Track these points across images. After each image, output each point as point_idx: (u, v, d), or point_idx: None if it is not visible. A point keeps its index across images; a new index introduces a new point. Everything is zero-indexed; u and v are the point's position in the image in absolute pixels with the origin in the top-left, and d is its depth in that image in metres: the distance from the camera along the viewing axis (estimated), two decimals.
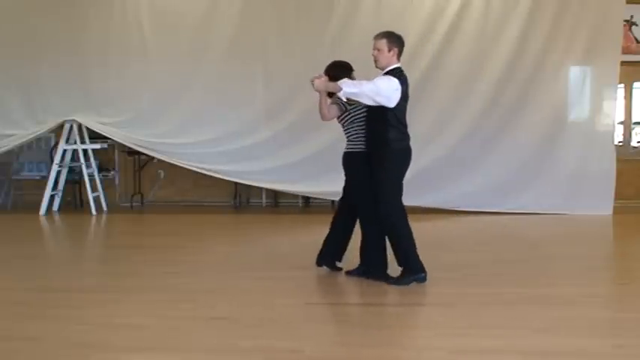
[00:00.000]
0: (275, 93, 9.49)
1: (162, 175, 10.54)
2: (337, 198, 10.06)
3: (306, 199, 10.23)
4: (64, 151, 9.71)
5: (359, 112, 5.30)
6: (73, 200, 10.34)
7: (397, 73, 5.09)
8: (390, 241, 5.22)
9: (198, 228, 8.47)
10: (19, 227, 8.63)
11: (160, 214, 9.71)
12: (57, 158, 9.67)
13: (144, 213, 10.00)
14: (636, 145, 10.53)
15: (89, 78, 9.54)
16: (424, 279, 5.15)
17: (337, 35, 9.21)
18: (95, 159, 10.00)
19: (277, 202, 10.33)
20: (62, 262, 6.57)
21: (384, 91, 4.99)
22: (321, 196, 9.74)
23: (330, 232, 5.59)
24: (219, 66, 9.43)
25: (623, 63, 9.14)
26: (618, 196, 9.18)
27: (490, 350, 3.76)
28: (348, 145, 5.39)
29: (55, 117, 9.58)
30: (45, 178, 9.87)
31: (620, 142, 10.19)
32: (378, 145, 5.14)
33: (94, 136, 9.83)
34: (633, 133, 10.52)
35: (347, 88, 5.00)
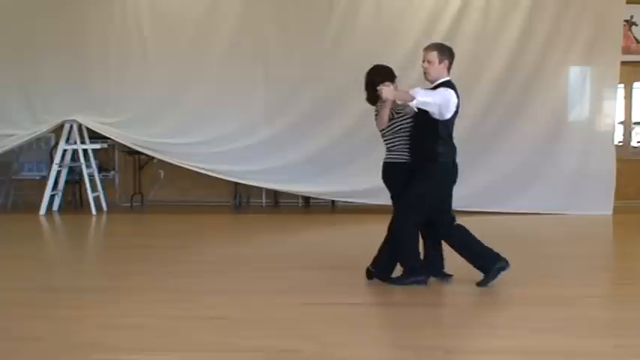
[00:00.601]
0: (275, 93, 9.49)
1: (162, 175, 10.53)
2: (337, 198, 10.10)
3: (306, 199, 10.22)
4: (64, 151, 9.71)
5: (405, 122, 5.07)
6: (73, 200, 10.35)
7: (451, 86, 4.95)
8: (396, 251, 5.12)
9: (198, 228, 8.47)
10: (19, 227, 8.63)
11: (160, 214, 9.71)
12: (57, 158, 9.67)
13: (144, 213, 10.00)
14: (636, 145, 10.54)
15: (89, 78, 9.54)
16: (425, 282, 5.10)
17: (337, 35, 9.20)
18: (95, 159, 10.00)
19: (277, 202, 10.32)
20: (62, 262, 6.58)
21: (452, 104, 4.89)
22: (321, 196, 9.74)
23: (424, 246, 5.28)
24: (219, 66, 9.43)
25: (623, 63, 9.14)
26: (618, 196, 9.17)
27: (490, 350, 3.75)
28: (388, 155, 5.13)
29: (55, 117, 9.58)
30: (45, 178, 9.87)
31: (620, 142, 10.19)
32: (426, 158, 4.96)
33: (94, 136, 9.83)
34: (633, 133, 10.52)
35: (421, 97, 4.76)
